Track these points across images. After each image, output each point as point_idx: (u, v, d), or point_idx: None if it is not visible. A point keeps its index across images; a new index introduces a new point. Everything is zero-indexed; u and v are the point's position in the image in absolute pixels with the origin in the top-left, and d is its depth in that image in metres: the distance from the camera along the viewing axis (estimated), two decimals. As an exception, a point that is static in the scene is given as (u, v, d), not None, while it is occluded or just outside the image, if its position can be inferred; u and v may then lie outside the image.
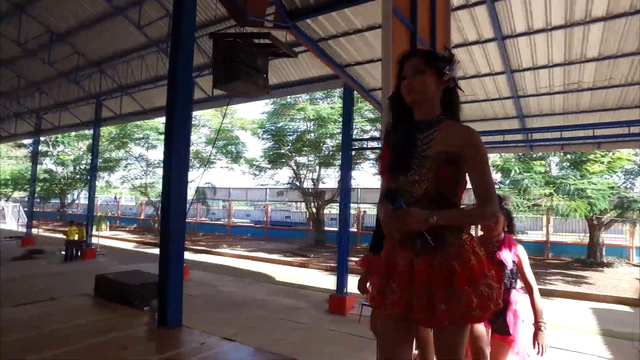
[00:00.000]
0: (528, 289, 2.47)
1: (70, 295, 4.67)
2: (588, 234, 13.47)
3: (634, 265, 13.25)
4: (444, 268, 1.42)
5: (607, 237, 13.71)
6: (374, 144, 13.44)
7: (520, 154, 11.85)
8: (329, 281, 10.88)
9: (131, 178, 21.44)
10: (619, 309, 8.83)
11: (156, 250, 16.76)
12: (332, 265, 13.42)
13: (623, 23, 4.81)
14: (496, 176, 12.40)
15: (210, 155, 19.10)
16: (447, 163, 1.45)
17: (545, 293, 9.53)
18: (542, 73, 6.05)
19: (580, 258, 13.38)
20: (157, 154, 21.42)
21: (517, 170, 11.87)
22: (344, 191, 8.24)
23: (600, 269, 12.43)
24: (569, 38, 5.19)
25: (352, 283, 8.17)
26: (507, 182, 12.30)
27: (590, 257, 13.07)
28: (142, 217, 25.20)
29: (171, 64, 3.84)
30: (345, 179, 8.42)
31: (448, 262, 1.43)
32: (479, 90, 6.74)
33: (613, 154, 11.86)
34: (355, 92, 7.77)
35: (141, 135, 20.02)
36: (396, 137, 1.56)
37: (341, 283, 7.64)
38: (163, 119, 19.74)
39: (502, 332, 2.46)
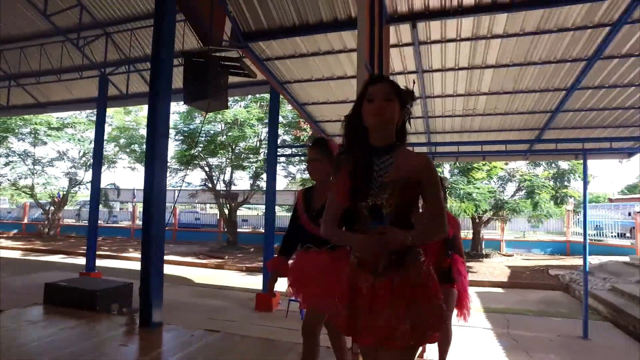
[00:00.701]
0: (459, 249, 3.55)
1: (18, 306, 4.61)
2: (472, 230, 16.17)
3: (504, 255, 16.28)
4: (406, 289, 1.46)
5: (485, 233, 16.61)
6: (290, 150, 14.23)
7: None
8: (247, 281, 11.40)
9: (13, 177, 19.07)
10: (495, 290, 11.00)
11: (51, 258, 15.26)
12: (248, 265, 13.95)
13: (505, 71, 6.45)
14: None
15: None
16: (407, 187, 1.52)
17: (440, 282, 11.44)
18: (449, 100, 7.58)
19: (465, 251, 15.95)
20: (47, 151, 19.41)
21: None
22: (270, 193, 8.87)
23: (480, 259, 15.05)
24: (470, 77, 6.72)
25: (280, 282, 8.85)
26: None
27: (473, 249, 15.72)
28: (26, 221, 22.53)
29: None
30: (271, 181, 8.99)
31: (409, 283, 1.47)
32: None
33: (490, 163, 14.50)
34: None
35: (28, 130, 18.01)
36: (354, 161, 1.59)
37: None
38: (59, 114, 18.08)
39: (447, 281, 3.39)
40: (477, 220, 15.50)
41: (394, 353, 1.46)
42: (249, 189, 18.15)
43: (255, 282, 10.25)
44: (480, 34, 5.55)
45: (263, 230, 18.73)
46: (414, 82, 1.71)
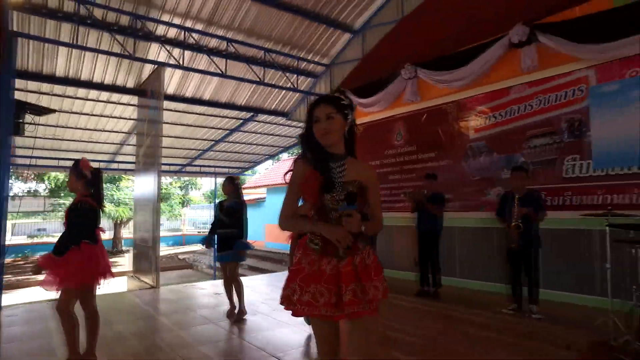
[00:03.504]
0: None
1: None
2: (113, 231, 19.47)
3: (139, 250, 20.61)
4: (364, 267, 1.85)
5: (124, 232, 20.28)
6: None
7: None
8: None
9: None
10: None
11: None
12: None
13: (185, 128, 11.19)
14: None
15: None
16: (358, 188, 1.86)
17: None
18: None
19: (107, 249, 19.05)
20: None
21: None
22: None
23: (122, 254, 18.70)
24: (183, 130, 11.05)
25: None
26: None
27: (115, 247, 19.14)
28: None
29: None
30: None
31: (364, 261, 1.86)
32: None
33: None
34: None
35: None
36: (314, 166, 1.88)
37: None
38: None
39: None
40: (118, 222, 19.03)
41: (366, 319, 1.83)
42: None
43: None
44: (187, 110, 10.13)
45: None
46: (351, 101, 2.07)
